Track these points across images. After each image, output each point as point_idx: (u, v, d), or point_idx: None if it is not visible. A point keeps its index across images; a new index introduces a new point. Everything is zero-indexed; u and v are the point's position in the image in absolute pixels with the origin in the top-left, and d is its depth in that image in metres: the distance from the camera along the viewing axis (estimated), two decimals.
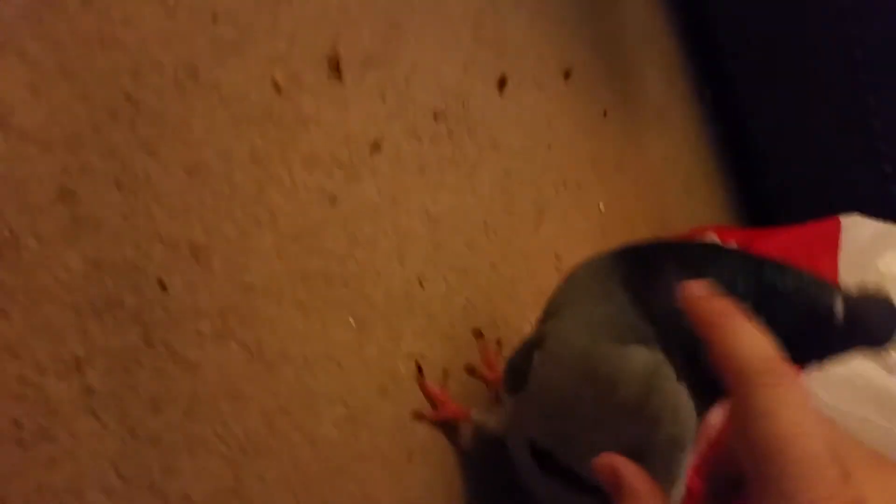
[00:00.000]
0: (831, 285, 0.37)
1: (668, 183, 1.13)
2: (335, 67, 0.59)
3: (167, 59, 0.47)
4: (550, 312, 0.52)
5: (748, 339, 0.29)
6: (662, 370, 0.40)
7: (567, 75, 0.90)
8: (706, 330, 0.31)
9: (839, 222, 0.93)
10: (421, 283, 0.66)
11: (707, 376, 0.39)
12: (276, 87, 0.54)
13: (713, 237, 0.97)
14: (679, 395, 0.40)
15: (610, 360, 0.42)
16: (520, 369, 0.52)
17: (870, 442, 0.75)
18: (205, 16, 0.49)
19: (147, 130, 0.45)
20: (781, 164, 1.24)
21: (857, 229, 0.91)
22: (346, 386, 0.57)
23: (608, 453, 0.32)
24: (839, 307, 0.37)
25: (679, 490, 0.41)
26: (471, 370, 0.69)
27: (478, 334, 0.71)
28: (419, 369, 0.63)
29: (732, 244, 0.92)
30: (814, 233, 0.93)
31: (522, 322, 0.78)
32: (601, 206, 0.96)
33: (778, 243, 0.93)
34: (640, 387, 0.40)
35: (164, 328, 0.44)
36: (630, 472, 0.31)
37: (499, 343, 0.74)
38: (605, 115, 0.98)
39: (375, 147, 0.62)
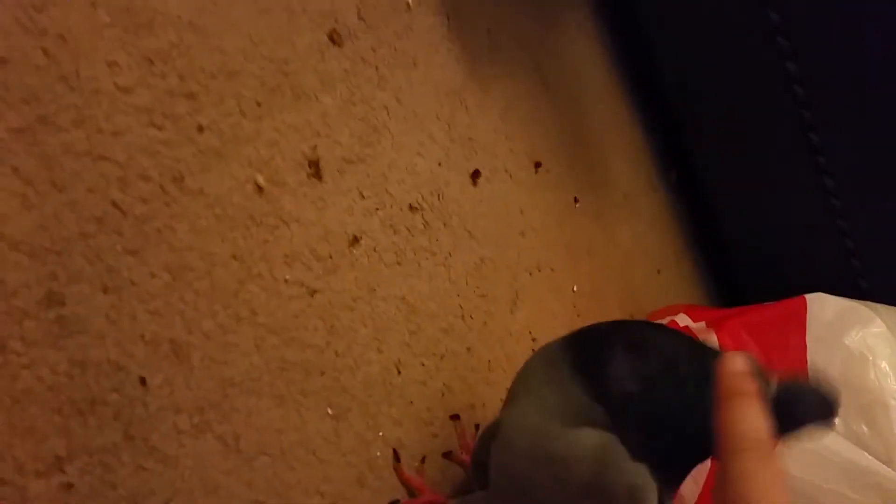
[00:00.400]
0: (767, 371, 0.40)
1: (638, 263, 1.17)
2: (315, 168, 0.62)
3: (154, 168, 0.50)
4: (507, 401, 0.54)
5: (751, 416, 0.35)
6: (613, 448, 0.42)
7: (537, 166, 0.95)
8: (722, 401, 0.36)
9: (805, 300, 0.96)
10: (398, 370, 0.68)
11: (666, 454, 0.42)
12: (259, 189, 0.57)
13: (684, 317, 1.00)
14: (635, 473, 0.41)
15: (560, 442, 0.44)
16: (481, 462, 0.53)
17: None
18: (190, 127, 0.53)
19: (133, 236, 0.48)
20: (747, 242, 1.28)
21: (822, 307, 0.94)
22: (322, 476, 0.58)
23: None
24: (771, 389, 0.38)
25: None
26: (448, 455, 0.70)
27: (455, 418, 0.73)
28: (396, 456, 0.65)
29: (702, 324, 0.95)
30: (781, 311, 0.97)
31: (499, 404, 0.80)
32: (574, 287, 0.99)
33: (747, 321, 0.96)
34: (592, 465, 0.42)
35: (144, 424, 0.46)
36: None
37: (476, 427, 0.75)
38: (575, 201, 1.02)
39: (354, 241, 0.65)
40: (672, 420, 0.40)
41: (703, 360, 0.41)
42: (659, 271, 1.23)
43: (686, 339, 0.44)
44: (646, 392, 0.42)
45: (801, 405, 0.38)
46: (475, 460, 0.56)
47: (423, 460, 0.67)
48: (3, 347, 0.39)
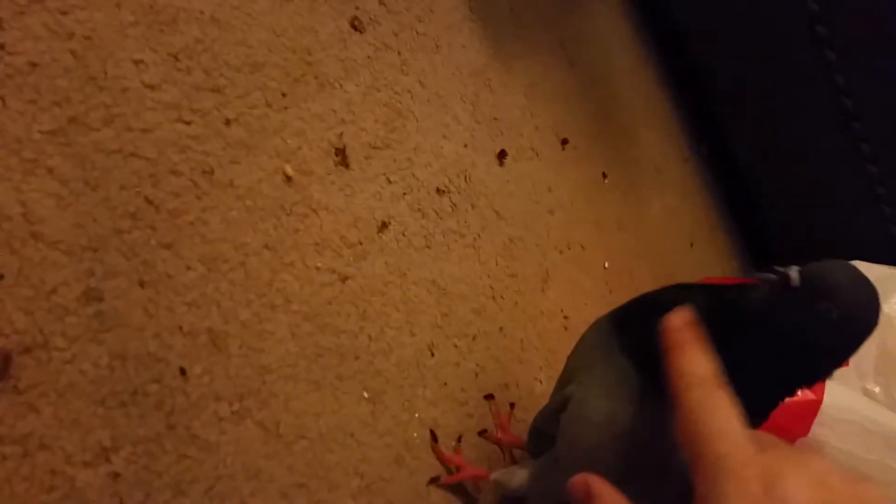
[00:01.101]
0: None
1: (670, 237, 1.16)
2: (342, 156, 0.63)
3: (184, 162, 0.51)
4: (565, 379, 0.55)
5: (693, 358, 0.38)
6: None
7: (564, 143, 0.94)
8: (668, 352, 0.40)
9: None
10: (431, 352, 0.69)
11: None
12: (287, 179, 0.58)
13: None
14: None
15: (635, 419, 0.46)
16: (545, 433, 0.55)
17: (884, 484, 0.76)
18: (218, 121, 0.53)
19: (167, 230, 0.49)
20: (781, 212, 1.26)
21: None
22: (361, 458, 0.59)
23: (583, 474, 0.39)
24: (794, 273, 0.38)
25: None
26: (484, 433, 0.71)
27: (489, 398, 0.74)
28: (433, 436, 0.66)
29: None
30: None
31: (533, 383, 0.80)
32: (606, 264, 0.99)
33: None
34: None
35: (186, 413, 0.47)
36: (603, 487, 0.38)
37: (511, 406, 0.76)
38: (604, 177, 1.01)
39: (383, 226, 0.66)
40: (735, 368, 0.40)
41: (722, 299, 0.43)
42: (692, 244, 1.22)
43: (708, 289, 0.45)
44: None
45: (832, 274, 0.38)
46: (537, 429, 0.59)
47: (459, 439, 0.68)
48: (46, 344, 0.40)
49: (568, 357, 0.56)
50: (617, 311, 0.53)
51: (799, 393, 0.78)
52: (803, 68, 1.09)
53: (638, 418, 0.46)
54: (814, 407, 0.77)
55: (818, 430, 0.78)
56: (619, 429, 0.47)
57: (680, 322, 0.41)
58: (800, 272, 0.39)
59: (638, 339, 0.47)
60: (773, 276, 0.40)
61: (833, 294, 0.38)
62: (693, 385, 0.37)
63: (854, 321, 0.39)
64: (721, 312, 0.42)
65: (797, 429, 0.80)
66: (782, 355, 0.41)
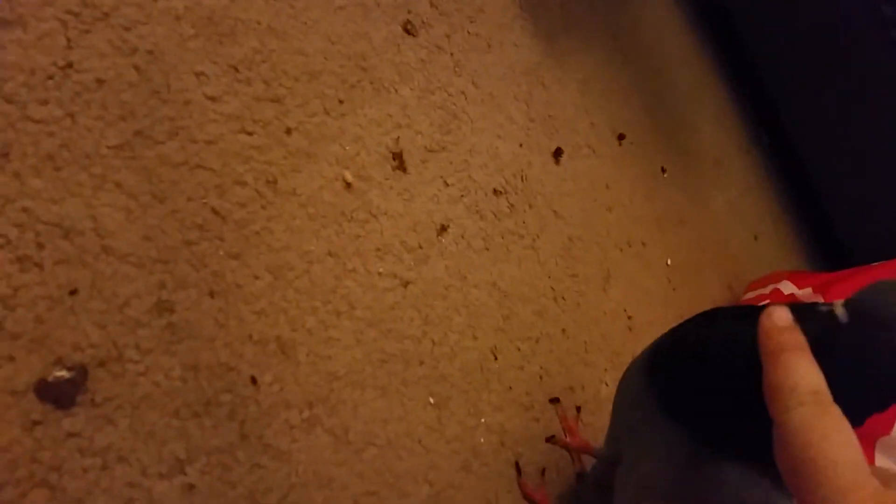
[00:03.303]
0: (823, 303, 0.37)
1: (734, 231, 1.13)
2: (399, 161, 0.63)
3: (248, 172, 0.51)
4: (613, 433, 0.54)
5: (802, 368, 0.32)
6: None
7: (621, 138, 0.92)
8: (768, 357, 0.33)
9: None
10: (495, 356, 0.68)
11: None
12: (347, 186, 0.58)
13: (788, 284, 0.95)
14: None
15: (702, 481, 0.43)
16: (602, 484, 0.55)
17: None
18: (279, 131, 0.54)
19: (234, 240, 0.49)
20: (848, 201, 1.21)
21: None
22: (429, 464, 0.58)
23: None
24: (839, 309, 0.36)
25: None
26: (552, 440, 0.69)
27: (555, 401, 0.72)
28: (518, 470, 0.64)
29: (808, 290, 0.91)
30: (892, 270, 0.91)
31: (599, 386, 0.78)
32: (668, 261, 0.96)
33: (857, 284, 0.91)
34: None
35: (258, 422, 0.47)
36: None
37: (577, 409, 0.74)
38: (663, 171, 0.99)
39: (442, 229, 0.65)
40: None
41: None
42: (756, 237, 1.18)
43: (737, 315, 0.42)
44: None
45: (882, 302, 0.35)
46: (594, 480, 0.58)
47: (543, 472, 0.67)
48: (121, 357, 0.41)
49: (614, 401, 0.53)
50: (650, 355, 0.48)
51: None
52: (868, 53, 1.05)
53: (691, 478, 0.42)
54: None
55: None
56: (671, 491, 0.44)
57: (780, 322, 0.34)
58: (846, 306, 0.36)
59: (677, 396, 0.43)
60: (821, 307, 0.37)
61: (891, 323, 0.35)
62: (799, 403, 0.31)
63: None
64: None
65: (878, 428, 0.76)
66: (847, 390, 0.38)
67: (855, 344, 0.35)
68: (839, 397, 0.35)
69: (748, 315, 0.40)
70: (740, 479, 0.40)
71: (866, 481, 0.29)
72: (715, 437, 0.41)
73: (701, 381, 0.40)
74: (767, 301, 0.96)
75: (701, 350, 0.41)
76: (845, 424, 0.30)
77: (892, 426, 0.76)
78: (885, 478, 0.29)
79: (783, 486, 0.38)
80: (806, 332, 0.36)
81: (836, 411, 0.31)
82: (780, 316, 0.35)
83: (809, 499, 0.29)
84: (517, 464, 0.64)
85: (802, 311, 0.36)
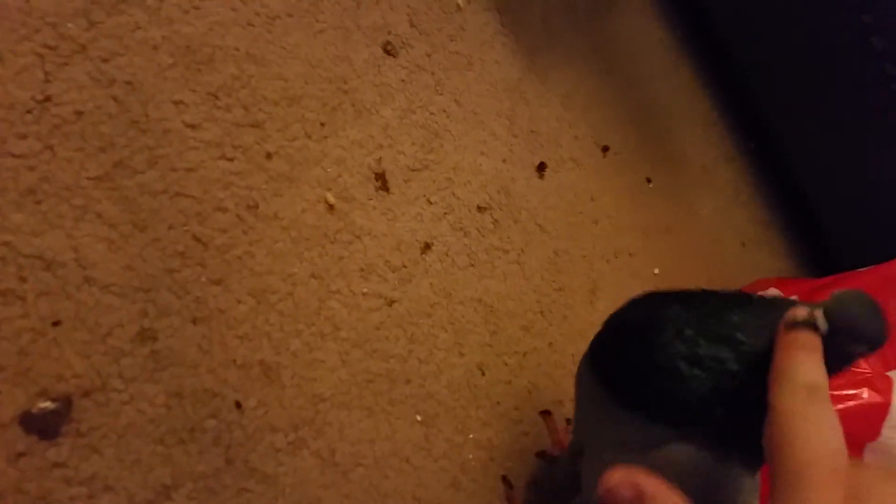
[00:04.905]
0: (803, 302, 0.39)
1: (722, 239, 1.13)
2: (382, 181, 0.63)
3: (229, 198, 0.52)
4: (575, 426, 0.55)
5: (811, 365, 0.34)
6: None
7: (605, 150, 0.93)
8: (783, 349, 0.36)
9: None
10: (482, 371, 0.68)
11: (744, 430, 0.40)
12: (330, 208, 0.58)
13: (774, 291, 0.96)
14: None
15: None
16: (571, 470, 0.55)
17: None
18: (260, 156, 0.54)
19: (216, 266, 0.49)
20: (836, 207, 1.22)
21: None
22: (417, 482, 0.59)
23: (625, 470, 0.32)
24: (821, 321, 0.37)
25: None
26: (542, 455, 0.70)
27: (546, 414, 0.72)
28: (508, 484, 0.65)
29: (794, 298, 0.91)
30: (879, 276, 0.92)
31: None
32: (656, 270, 0.97)
33: None
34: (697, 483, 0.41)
35: (243, 447, 0.47)
36: (658, 486, 0.31)
37: (567, 421, 0.75)
38: (648, 181, 1.00)
39: (426, 247, 0.66)
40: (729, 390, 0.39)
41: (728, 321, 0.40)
42: (744, 244, 1.19)
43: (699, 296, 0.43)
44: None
45: (859, 316, 0.37)
46: (563, 470, 0.58)
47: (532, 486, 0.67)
48: (105, 386, 0.41)
49: (574, 395, 0.54)
50: (590, 347, 0.50)
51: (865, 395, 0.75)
52: (852, 56, 1.06)
53: (647, 462, 0.42)
54: (882, 409, 0.74)
55: (888, 432, 0.75)
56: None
57: (806, 320, 0.37)
58: (825, 314, 0.37)
59: (620, 383, 0.44)
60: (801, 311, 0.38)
61: (865, 336, 0.38)
62: (794, 390, 0.33)
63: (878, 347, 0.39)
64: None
65: (866, 432, 0.76)
66: None
67: (831, 355, 0.36)
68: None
69: (678, 296, 0.43)
70: (688, 458, 0.41)
71: (836, 459, 0.30)
72: (662, 418, 0.42)
73: (637, 364, 0.42)
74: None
75: (632, 334, 0.43)
76: (833, 416, 0.32)
77: (879, 431, 0.76)
78: (859, 463, 0.31)
79: (734, 459, 0.40)
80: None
81: (828, 405, 0.32)
82: (805, 313, 0.37)
83: (780, 475, 0.31)
84: (504, 478, 0.64)
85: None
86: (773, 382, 0.35)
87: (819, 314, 0.37)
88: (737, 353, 0.40)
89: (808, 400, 0.33)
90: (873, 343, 0.38)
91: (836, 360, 0.36)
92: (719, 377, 0.40)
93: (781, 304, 0.40)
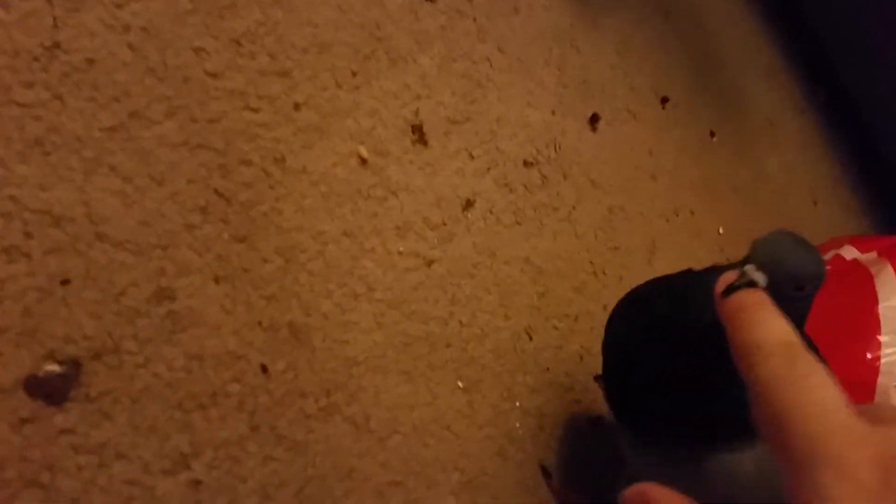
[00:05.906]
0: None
1: (790, 196, 1.06)
2: (419, 133, 0.59)
3: (254, 151, 0.49)
4: None
5: (766, 321, 0.30)
6: None
7: (664, 101, 0.87)
8: (729, 318, 0.32)
9: None
10: (529, 336, 0.64)
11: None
12: (363, 162, 0.55)
13: (850, 249, 0.89)
14: None
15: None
16: None
17: None
18: (287, 106, 0.51)
19: (240, 222, 0.47)
20: None
21: None
22: (460, 451, 0.55)
23: (637, 485, 0.30)
24: (757, 275, 0.34)
25: None
26: (596, 422, 0.66)
27: (600, 378, 0.68)
28: (546, 472, 0.61)
29: (872, 255, 0.84)
30: None
31: None
32: (720, 230, 0.91)
33: None
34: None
35: (270, 412, 0.45)
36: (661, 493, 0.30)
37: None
38: (711, 135, 0.93)
39: (468, 204, 0.62)
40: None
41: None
42: (815, 202, 1.11)
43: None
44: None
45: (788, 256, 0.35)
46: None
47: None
48: (117, 348, 0.39)
49: None
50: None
51: None
52: None
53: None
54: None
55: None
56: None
57: (736, 281, 0.33)
58: (760, 269, 0.34)
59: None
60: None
61: (804, 272, 0.36)
62: (767, 355, 0.29)
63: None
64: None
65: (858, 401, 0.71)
66: None
67: (784, 307, 0.33)
68: None
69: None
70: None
71: (848, 423, 0.25)
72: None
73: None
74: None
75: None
76: (818, 367, 0.27)
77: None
78: (876, 416, 0.26)
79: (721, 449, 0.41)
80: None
81: (808, 357, 0.28)
82: (730, 278, 0.34)
83: (789, 455, 0.25)
84: (543, 468, 0.60)
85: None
86: (739, 358, 0.30)
87: (750, 268, 0.34)
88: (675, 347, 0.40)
89: (788, 359, 0.28)
90: (815, 276, 0.36)
91: (792, 310, 0.32)
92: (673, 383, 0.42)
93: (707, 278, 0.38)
